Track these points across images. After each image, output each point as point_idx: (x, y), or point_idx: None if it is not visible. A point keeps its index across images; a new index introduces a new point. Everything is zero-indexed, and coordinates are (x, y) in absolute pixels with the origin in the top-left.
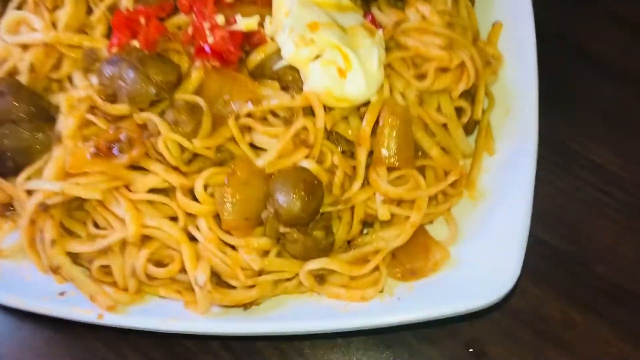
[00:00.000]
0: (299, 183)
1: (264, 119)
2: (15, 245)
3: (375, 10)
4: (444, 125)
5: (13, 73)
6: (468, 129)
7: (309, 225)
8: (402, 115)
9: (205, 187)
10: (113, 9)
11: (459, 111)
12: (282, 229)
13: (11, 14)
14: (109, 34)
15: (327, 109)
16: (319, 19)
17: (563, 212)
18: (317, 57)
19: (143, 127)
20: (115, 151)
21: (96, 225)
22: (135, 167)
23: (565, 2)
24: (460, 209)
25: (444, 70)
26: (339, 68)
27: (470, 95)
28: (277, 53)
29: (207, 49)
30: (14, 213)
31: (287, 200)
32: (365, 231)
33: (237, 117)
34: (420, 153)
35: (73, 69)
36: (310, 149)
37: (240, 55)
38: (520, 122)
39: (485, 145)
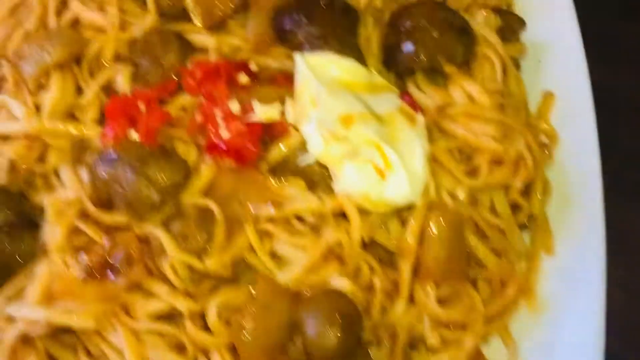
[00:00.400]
0: (334, 314)
1: (286, 222)
2: None
3: (412, 89)
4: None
5: None
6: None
7: None
8: (452, 220)
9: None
10: (107, 88)
11: (513, 206)
12: None
13: None
14: (102, 118)
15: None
16: (351, 109)
17: (635, 319)
18: (351, 153)
19: (144, 240)
20: (110, 268)
21: (89, 354)
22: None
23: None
24: (519, 324)
25: (497, 162)
26: (376, 168)
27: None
28: (302, 145)
29: (221, 145)
30: None
31: (320, 335)
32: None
33: (256, 222)
34: (470, 259)
35: (60, 161)
36: (343, 263)
37: (259, 149)
38: (583, 213)
39: (543, 243)
